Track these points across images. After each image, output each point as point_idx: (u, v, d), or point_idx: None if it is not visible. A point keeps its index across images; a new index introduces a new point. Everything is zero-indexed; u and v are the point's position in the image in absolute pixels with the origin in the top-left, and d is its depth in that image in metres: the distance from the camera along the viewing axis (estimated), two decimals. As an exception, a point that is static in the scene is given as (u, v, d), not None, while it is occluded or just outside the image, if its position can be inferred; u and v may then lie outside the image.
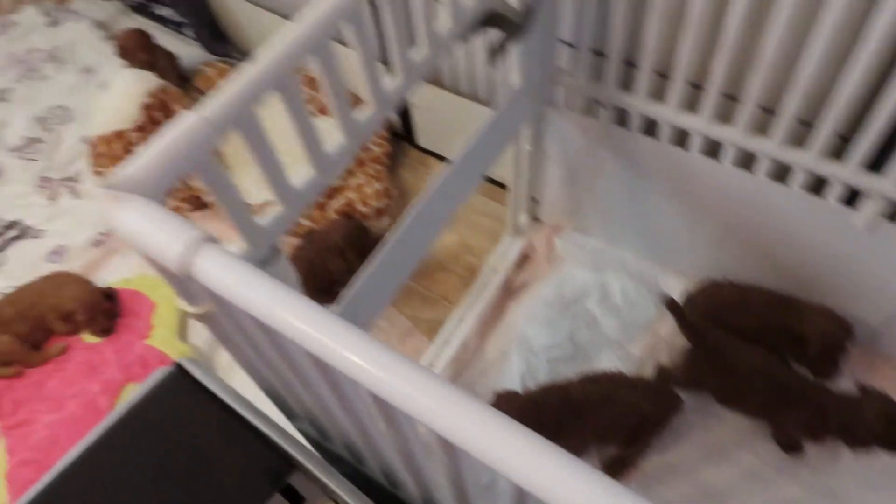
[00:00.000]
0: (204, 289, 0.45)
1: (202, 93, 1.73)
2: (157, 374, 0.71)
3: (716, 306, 1.12)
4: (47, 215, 1.58)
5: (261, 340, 0.51)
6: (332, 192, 1.49)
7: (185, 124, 0.51)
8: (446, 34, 0.78)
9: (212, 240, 0.44)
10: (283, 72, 0.58)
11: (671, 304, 1.03)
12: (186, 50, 1.86)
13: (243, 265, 0.43)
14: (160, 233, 0.44)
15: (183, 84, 1.70)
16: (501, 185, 1.44)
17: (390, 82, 0.74)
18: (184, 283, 0.53)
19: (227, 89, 0.54)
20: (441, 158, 1.59)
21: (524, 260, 1.39)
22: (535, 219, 1.43)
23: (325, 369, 0.46)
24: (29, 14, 2.07)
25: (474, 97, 1.37)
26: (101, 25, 2.00)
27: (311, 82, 1.48)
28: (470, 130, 0.93)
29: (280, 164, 0.64)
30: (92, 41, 1.95)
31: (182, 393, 0.72)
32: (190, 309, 0.55)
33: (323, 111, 1.46)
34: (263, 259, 0.65)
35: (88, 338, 1.37)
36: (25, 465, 1.23)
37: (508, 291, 1.35)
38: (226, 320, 0.54)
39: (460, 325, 1.29)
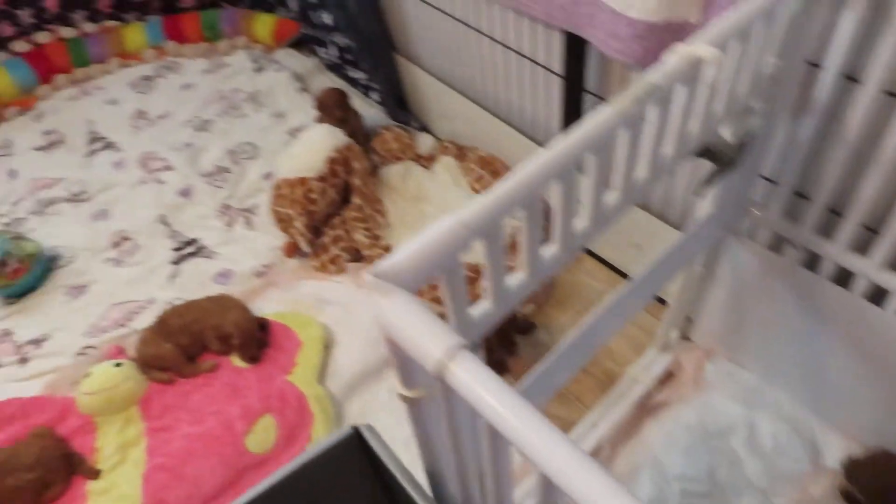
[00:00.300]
0: (449, 389, 0.47)
1: (378, 154, 1.86)
2: (334, 435, 0.74)
3: (886, 483, 1.02)
4: (222, 239, 1.72)
5: (482, 441, 0.53)
6: (484, 270, 1.52)
7: (445, 227, 0.55)
8: (667, 161, 0.80)
9: (466, 347, 0.47)
10: (531, 191, 0.61)
11: (849, 471, 0.95)
12: (369, 111, 2.01)
13: (494, 378, 0.45)
14: (423, 335, 0.47)
15: (364, 143, 1.83)
16: (657, 298, 1.42)
17: (609, 202, 0.76)
18: (407, 369, 0.56)
19: (483, 201, 0.58)
20: (598, 259, 1.59)
21: (668, 377, 1.34)
22: (685, 337, 1.39)
23: (550, 489, 0.47)
24: (240, 58, 2.33)
25: (660, 215, 1.37)
26: (298, 77, 2.21)
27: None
28: (646, 246, 0.93)
29: (504, 269, 0.67)
30: (288, 90, 2.15)
31: (353, 456, 0.75)
32: (404, 391, 0.58)
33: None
34: (470, 348, 0.67)
35: (237, 361, 1.46)
36: (161, 469, 1.31)
37: (647, 407, 1.30)
38: (439, 411, 0.57)
39: (593, 429, 1.26)
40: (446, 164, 1.78)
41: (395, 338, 0.50)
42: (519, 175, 0.61)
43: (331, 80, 2.23)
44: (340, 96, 1.81)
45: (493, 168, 1.68)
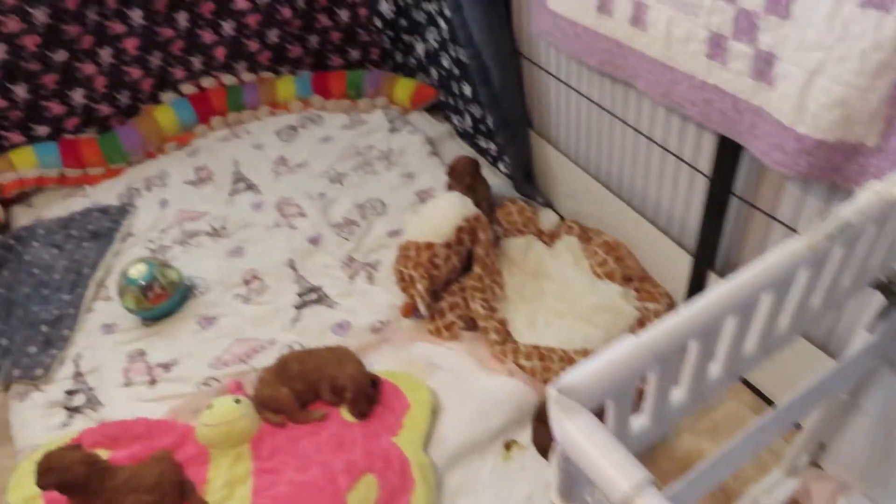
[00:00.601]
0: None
1: (500, 225, 1.89)
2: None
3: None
4: (343, 291, 1.79)
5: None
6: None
7: (627, 349, 0.55)
8: (842, 294, 0.76)
9: (653, 483, 0.46)
10: (710, 323, 0.60)
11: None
12: (495, 181, 2.06)
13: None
14: (609, 465, 0.47)
15: (489, 212, 1.87)
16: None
17: (780, 330, 0.73)
18: (573, 484, 0.55)
19: (665, 326, 0.57)
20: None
21: (793, 505, 1.25)
22: (814, 464, 1.29)
23: None
24: (377, 117, 2.46)
25: (807, 337, 1.29)
26: (430, 141, 2.31)
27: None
28: (791, 368, 0.89)
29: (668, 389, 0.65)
30: (420, 152, 2.25)
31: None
32: (560, 501, 0.57)
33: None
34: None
35: (345, 414, 1.49)
36: (264, 512, 1.35)
37: (767, 534, 1.21)
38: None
39: (706, 551, 1.19)
40: (569, 244, 1.78)
41: (577, 459, 0.50)
42: (698, 306, 0.60)
43: (461, 147, 2.31)
44: (473, 166, 1.87)
45: (617, 254, 1.66)
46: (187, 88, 2.51)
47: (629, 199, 1.64)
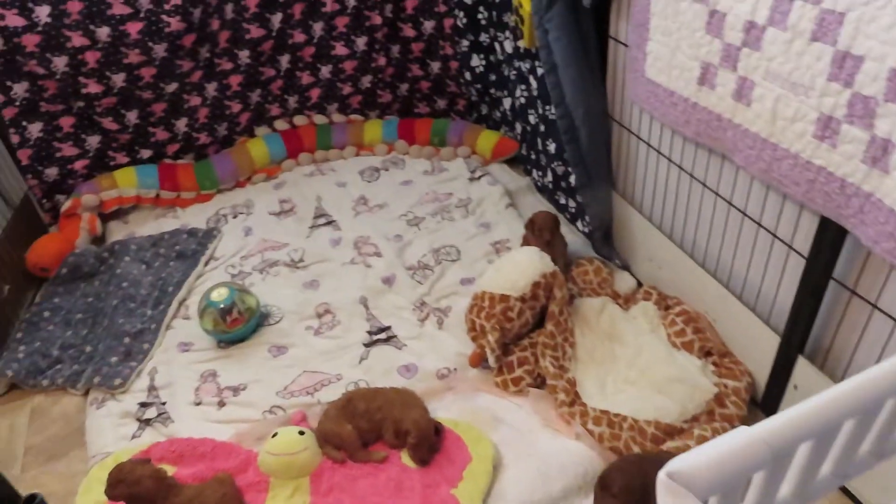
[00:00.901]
0: None
1: (575, 283, 1.87)
2: None
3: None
4: (413, 333, 1.80)
5: None
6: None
7: (744, 440, 0.53)
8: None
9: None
10: (828, 424, 0.57)
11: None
12: (572, 238, 2.04)
13: None
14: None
15: (564, 270, 1.85)
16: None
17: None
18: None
19: (782, 420, 0.55)
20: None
21: None
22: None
23: None
24: (458, 165, 2.51)
25: None
26: (509, 193, 2.32)
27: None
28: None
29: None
30: (497, 204, 2.27)
31: None
32: None
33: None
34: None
35: (406, 459, 1.47)
36: (318, 549, 1.34)
37: None
38: None
39: None
40: (645, 309, 1.74)
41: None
42: (815, 405, 0.57)
43: (540, 202, 2.32)
44: (554, 221, 1.87)
45: (697, 325, 1.61)
46: (280, 125, 2.63)
47: (713, 271, 1.60)
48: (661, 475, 0.50)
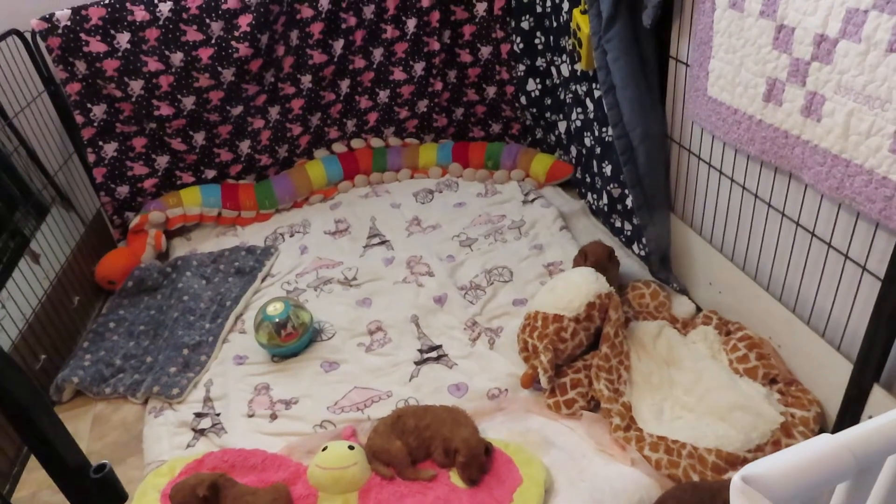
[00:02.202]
0: None
1: (631, 306, 1.82)
2: None
3: None
4: (463, 353, 1.78)
5: None
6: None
7: (826, 448, 0.49)
8: None
9: None
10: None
11: None
12: (627, 261, 2.00)
13: None
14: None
15: (618, 293, 1.81)
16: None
17: None
18: None
19: (864, 429, 0.51)
20: None
21: None
22: None
23: None
24: (511, 188, 2.50)
25: None
26: (562, 216, 2.30)
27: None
28: None
29: None
30: (551, 226, 2.24)
31: None
32: None
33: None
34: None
35: (455, 478, 1.44)
36: (363, 565, 1.31)
37: None
38: None
39: None
40: (705, 334, 1.67)
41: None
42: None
43: (594, 225, 2.28)
44: (608, 254, 1.84)
45: (761, 351, 1.54)
46: (338, 147, 2.69)
47: (779, 295, 1.53)
48: (736, 479, 0.47)
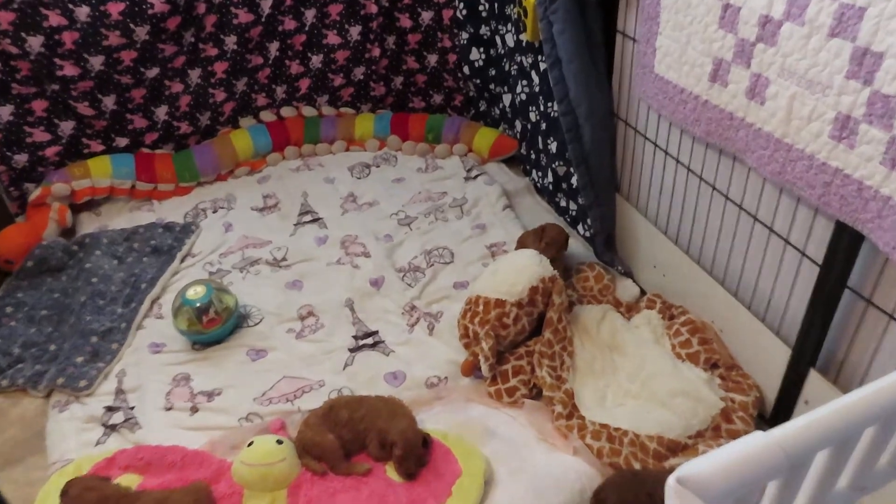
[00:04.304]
0: None
1: (575, 290, 1.86)
2: None
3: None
4: (401, 339, 1.78)
5: None
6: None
7: (759, 445, 0.52)
8: None
9: None
10: (846, 431, 0.56)
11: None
12: (571, 243, 2.03)
13: None
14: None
15: (564, 277, 1.84)
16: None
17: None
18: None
19: (800, 424, 0.54)
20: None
21: None
22: None
23: None
24: (453, 163, 2.50)
25: None
26: (506, 194, 2.32)
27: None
28: None
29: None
30: (494, 205, 2.26)
31: None
32: None
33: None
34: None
35: (391, 472, 1.45)
36: (292, 566, 1.31)
37: None
38: None
39: None
40: (649, 319, 1.73)
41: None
42: (834, 410, 0.56)
43: (538, 203, 2.31)
44: (564, 241, 1.87)
45: (703, 336, 1.60)
46: (267, 116, 2.62)
47: (721, 279, 1.59)
48: (671, 480, 0.49)
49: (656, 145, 1.70)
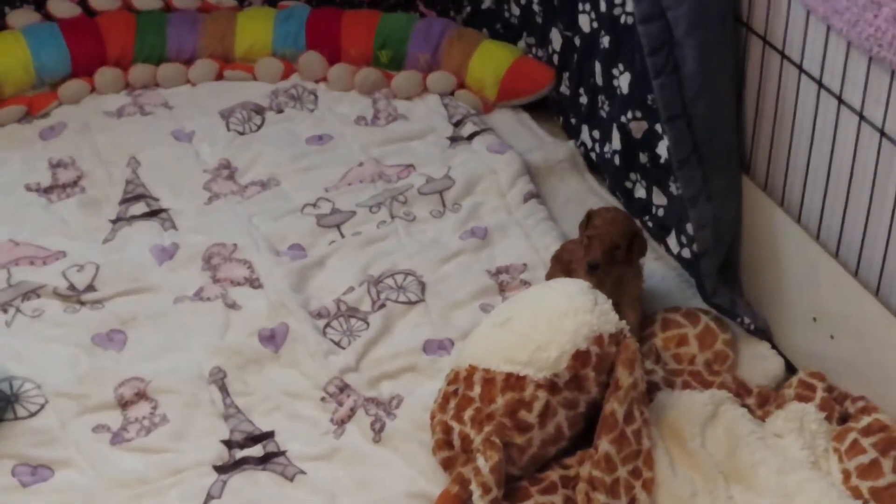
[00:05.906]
0: None
1: (659, 358, 1.89)
2: None
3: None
4: (319, 449, 1.80)
5: None
6: None
7: None
8: None
9: None
10: None
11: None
12: (654, 266, 2.07)
13: None
14: None
15: (636, 330, 1.87)
16: None
17: None
18: None
19: None
20: None
21: None
22: None
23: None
24: (428, 108, 2.59)
25: None
26: (529, 172, 2.35)
27: None
28: None
29: None
30: (507, 191, 2.29)
31: None
32: None
33: None
34: None
35: None
36: None
37: None
38: None
39: None
40: (801, 419, 1.76)
41: None
42: None
43: (590, 191, 2.36)
44: (629, 234, 1.89)
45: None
46: (61, 7, 2.64)
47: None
48: None
49: (822, 85, 1.73)
